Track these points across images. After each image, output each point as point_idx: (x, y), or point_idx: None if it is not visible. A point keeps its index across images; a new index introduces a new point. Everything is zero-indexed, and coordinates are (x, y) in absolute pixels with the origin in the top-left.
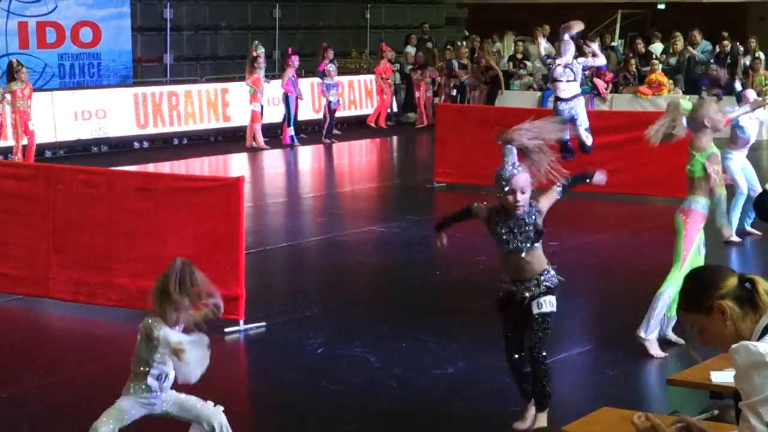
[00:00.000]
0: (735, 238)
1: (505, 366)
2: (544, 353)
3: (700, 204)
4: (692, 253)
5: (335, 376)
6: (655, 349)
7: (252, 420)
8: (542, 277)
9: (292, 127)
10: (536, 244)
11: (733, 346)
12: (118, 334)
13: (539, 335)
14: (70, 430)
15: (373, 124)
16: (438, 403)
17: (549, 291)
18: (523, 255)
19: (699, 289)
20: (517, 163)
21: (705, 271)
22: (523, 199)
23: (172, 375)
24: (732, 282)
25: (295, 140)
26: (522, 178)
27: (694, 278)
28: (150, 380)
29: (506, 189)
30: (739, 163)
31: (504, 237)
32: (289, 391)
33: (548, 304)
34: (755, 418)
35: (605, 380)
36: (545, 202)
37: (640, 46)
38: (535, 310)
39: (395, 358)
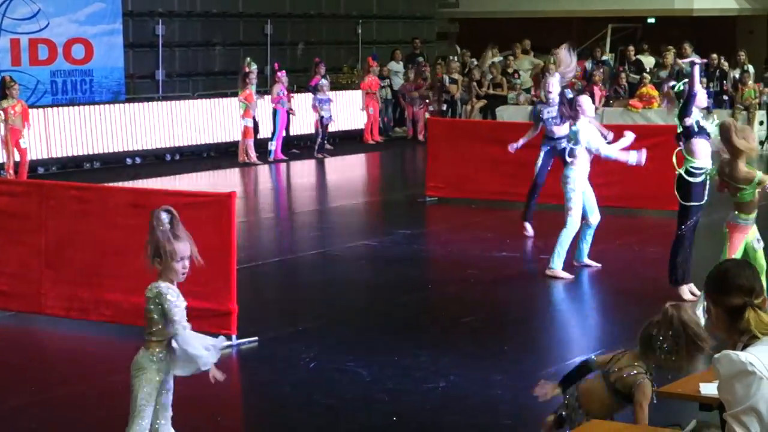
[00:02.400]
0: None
1: (496, 380)
2: None
3: (746, 220)
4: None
5: (327, 391)
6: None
7: None
8: None
9: (274, 142)
10: None
11: (716, 356)
12: (111, 350)
13: None
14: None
15: (370, 140)
16: (430, 417)
17: None
18: None
19: (711, 281)
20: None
21: (733, 272)
22: None
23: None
24: (734, 302)
25: (271, 155)
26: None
27: (723, 269)
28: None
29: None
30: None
31: None
32: (281, 405)
33: None
34: (741, 427)
35: None
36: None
37: (631, 53)
38: None
39: (387, 373)
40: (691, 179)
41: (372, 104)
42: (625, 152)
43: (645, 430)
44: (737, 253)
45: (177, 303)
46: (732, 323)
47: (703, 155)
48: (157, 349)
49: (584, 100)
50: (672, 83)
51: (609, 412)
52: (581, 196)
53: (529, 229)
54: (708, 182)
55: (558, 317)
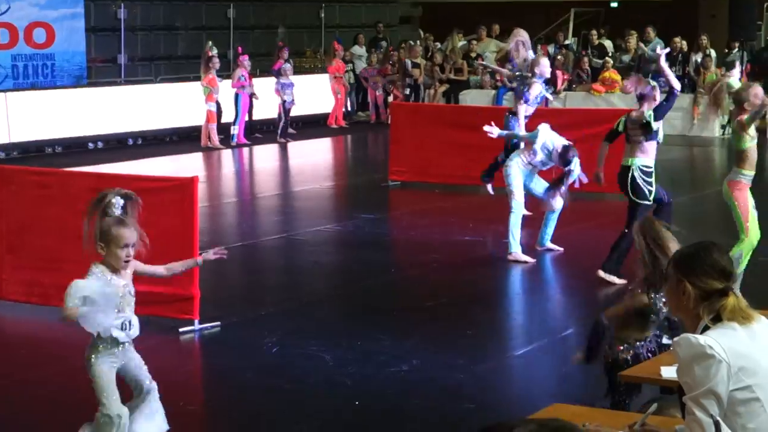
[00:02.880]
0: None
1: (459, 364)
2: None
3: (745, 177)
4: (751, 216)
5: (290, 375)
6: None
7: (206, 419)
8: None
9: (236, 127)
10: None
11: (675, 339)
12: (72, 335)
13: None
14: None
15: (334, 125)
16: (393, 401)
17: None
18: None
19: (690, 261)
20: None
21: (713, 256)
22: None
23: (135, 321)
24: (714, 285)
25: (233, 140)
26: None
27: (700, 250)
28: (115, 332)
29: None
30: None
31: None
32: (244, 390)
33: None
34: (700, 410)
35: (556, 377)
36: None
37: (594, 38)
38: None
39: (350, 357)
40: (646, 178)
41: (339, 88)
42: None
43: (609, 416)
44: (750, 208)
45: (90, 285)
46: (700, 306)
47: (654, 156)
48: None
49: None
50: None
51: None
52: (521, 179)
53: (490, 189)
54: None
55: (521, 301)
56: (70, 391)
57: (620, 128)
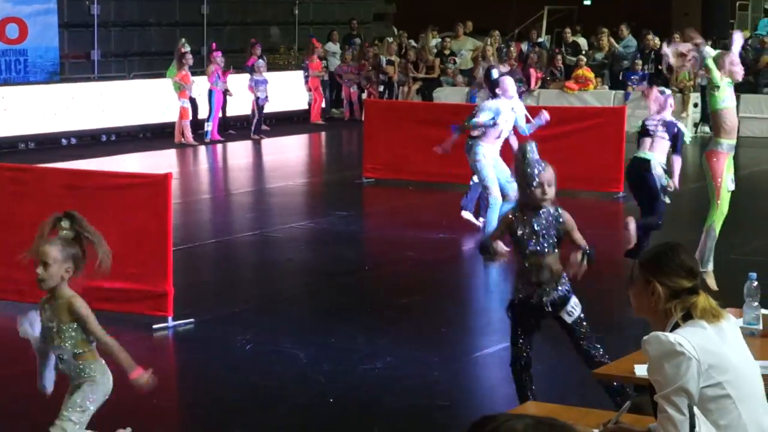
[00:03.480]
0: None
1: (433, 361)
2: (599, 347)
3: (721, 146)
4: (723, 185)
5: (264, 372)
6: (711, 280)
7: (180, 416)
8: (561, 281)
9: (210, 123)
10: (557, 249)
11: (645, 338)
12: None
13: (584, 331)
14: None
15: (321, 121)
16: (367, 398)
17: (568, 295)
18: (546, 257)
19: (658, 261)
20: (540, 159)
21: (681, 256)
22: (550, 193)
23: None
24: (683, 284)
25: (207, 136)
26: (549, 173)
27: (667, 250)
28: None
29: (534, 183)
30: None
31: (526, 237)
32: (217, 387)
33: (576, 306)
34: (672, 408)
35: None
36: (570, 219)
37: (568, 35)
38: (569, 319)
39: (324, 354)
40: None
41: (318, 85)
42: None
43: (583, 413)
44: (724, 178)
45: None
46: (670, 304)
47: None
48: None
49: (507, 80)
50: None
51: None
52: (494, 172)
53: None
54: None
55: (494, 298)
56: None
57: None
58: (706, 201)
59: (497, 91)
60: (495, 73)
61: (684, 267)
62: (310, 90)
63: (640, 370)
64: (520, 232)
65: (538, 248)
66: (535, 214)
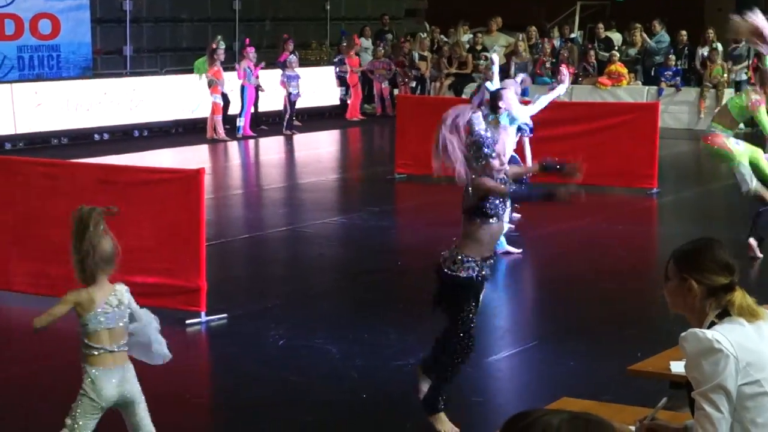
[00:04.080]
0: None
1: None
2: None
3: (717, 128)
4: (733, 144)
5: (296, 368)
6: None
7: (212, 412)
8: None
9: (242, 119)
10: None
11: (682, 334)
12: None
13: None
14: (26, 424)
15: (358, 117)
16: (399, 394)
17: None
18: (503, 224)
19: (693, 257)
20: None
21: (717, 252)
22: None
23: None
24: (720, 281)
25: (239, 132)
26: (501, 143)
27: (702, 246)
28: None
29: (492, 154)
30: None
31: (497, 204)
32: (250, 382)
33: None
34: (709, 405)
35: (565, 370)
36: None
37: (600, 31)
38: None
39: (356, 350)
40: None
41: (356, 81)
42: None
43: (618, 410)
44: (730, 141)
45: None
46: (705, 302)
47: None
48: None
49: (507, 93)
50: None
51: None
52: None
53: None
54: None
55: (528, 294)
56: (77, 383)
57: None
58: (736, 199)
59: (500, 104)
60: (490, 87)
61: (720, 263)
62: (341, 86)
63: (676, 367)
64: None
65: (501, 211)
66: None
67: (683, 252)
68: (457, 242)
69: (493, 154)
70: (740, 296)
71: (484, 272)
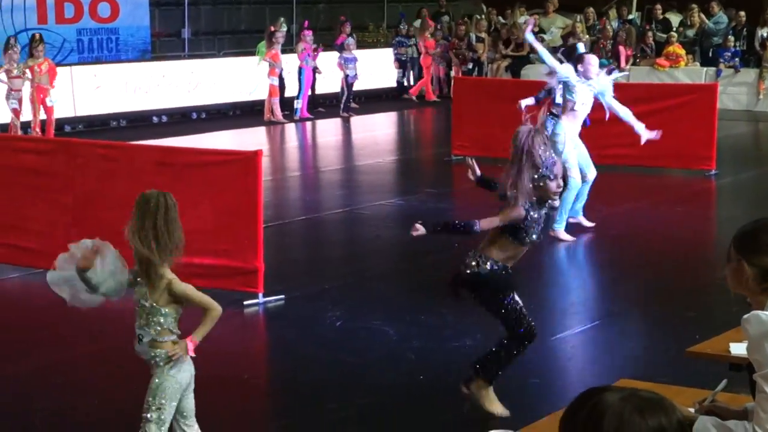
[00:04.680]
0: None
1: None
2: None
3: None
4: None
5: (353, 349)
6: None
7: (270, 392)
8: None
9: (299, 101)
10: None
11: (745, 316)
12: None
13: None
14: (85, 403)
15: (414, 98)
16: (456, 376)
17: None
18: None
19: (748, 239)
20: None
21: None
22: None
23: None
24: None
25: (296, 114)
26: (559, 165)
27: (757, 228)
28: None
29: (551, 176)
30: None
31: (533, 223)
32: (307, 363)
33: None
34: None
35: (622, 352)
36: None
37: (658, 12)
38: None
39: (413, 331)
40: None
41: (430, 63)
42: (638, 122)
43: (677, 392)
44: None
45: None
46: (761, 285)
47: None
48: None
49: (591, 58)
50: None
51: None
52: (575, 154)
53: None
54: None
55: (579, 277)
56: (137, 364)
57: None
58: None
59: (579, 67)
60: (581, 48)
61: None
62: (399, 68)
63: (736, 349)
64: (532, 216)
65: (535, 237)
66: (541, 205)
67: (742, 233)
68: (481, 247)
69: (551, 176)
70: None
71: (508, 270)
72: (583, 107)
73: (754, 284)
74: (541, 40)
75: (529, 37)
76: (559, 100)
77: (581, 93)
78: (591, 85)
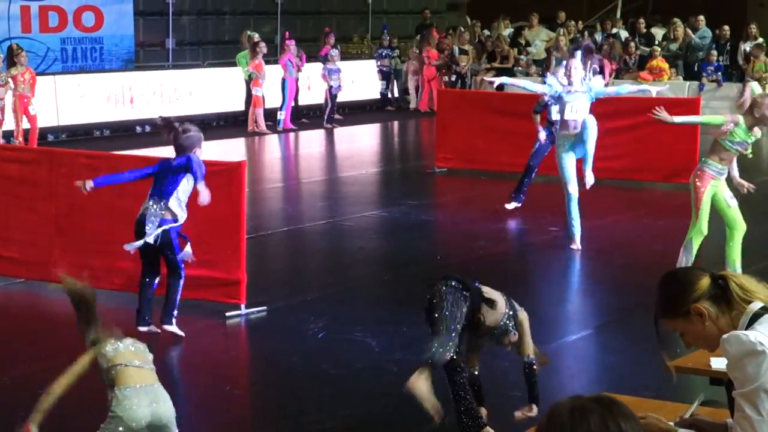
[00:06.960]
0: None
1: (504, 350)
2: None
3: (710, 167)
4: (703, 206)
5: (336, 361)
6: None
7: (252, 403)
8: None
9: (283, 112)
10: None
11: (724, 336)
12: (121, 318)
13: None
14: (69, 414)
15: (427, 109)
16: (439, 388)
17: None
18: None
19: (673, 295)
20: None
21: (676, 275)
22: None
23: None
24: (705, 283)
25: (280, 125)
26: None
27: (666, 284)
28: None
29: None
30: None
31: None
32: (289, 375)
33: None
34: (750, 407)
35: (604, 366)
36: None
37: (641, 25)
38: None
39: (396, 343)
40: None
41: (433, 75)
42: (641, 85)
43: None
44: (703, 207)
45: None
46: (723, 308)
47: None
48: None
49: (574, 62)
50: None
51: None
52: (573, 166)
53: (511, 205)
54: None
55: (567, 289)
56: None
57: None
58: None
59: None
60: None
61: (687, 278)
62: (382, 80)
63: (716, 363)
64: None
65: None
66: (483, 336)
67: (662, 303)
68: None
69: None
70: (734, 283)
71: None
72: (574, 114)
73: (718, 322)
74: (526, 54)
75: (505, 80)
76: (555, 117)
77: (570, 101)
78: (577, 91)
